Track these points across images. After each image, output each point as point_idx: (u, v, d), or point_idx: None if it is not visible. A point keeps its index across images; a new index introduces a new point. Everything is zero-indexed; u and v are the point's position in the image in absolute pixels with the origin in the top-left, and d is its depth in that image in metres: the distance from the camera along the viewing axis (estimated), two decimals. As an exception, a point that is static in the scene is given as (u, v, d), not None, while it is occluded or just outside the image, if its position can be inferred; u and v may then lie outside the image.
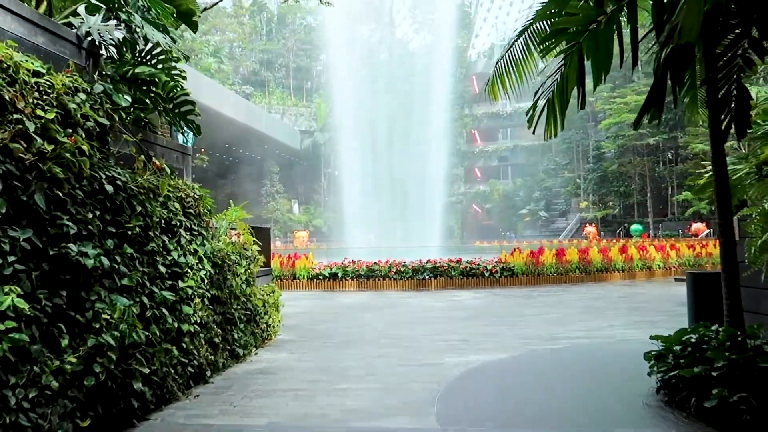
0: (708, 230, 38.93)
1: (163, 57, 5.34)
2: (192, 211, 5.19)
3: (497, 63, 6.49)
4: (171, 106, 5.46)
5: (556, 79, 5.61)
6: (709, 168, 7.39)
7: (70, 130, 3.56)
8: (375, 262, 15.62)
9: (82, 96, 3.74)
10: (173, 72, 5.39)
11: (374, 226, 53.25)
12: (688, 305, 7.55)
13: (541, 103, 5.91)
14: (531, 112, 6.00)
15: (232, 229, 6.68)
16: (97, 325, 3.64)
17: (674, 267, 17.93)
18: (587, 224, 47.71)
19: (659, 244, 19.88)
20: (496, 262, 15.75)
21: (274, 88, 72.25)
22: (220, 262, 5.70)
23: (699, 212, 40.51)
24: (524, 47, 6.25)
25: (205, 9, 14.88)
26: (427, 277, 15.09)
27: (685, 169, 44.51)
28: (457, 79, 64.57)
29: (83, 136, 3.65)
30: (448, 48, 62.57)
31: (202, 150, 54.69)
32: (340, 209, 54.73)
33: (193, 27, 6.63)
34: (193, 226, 5.18)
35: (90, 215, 3.65)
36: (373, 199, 54.56)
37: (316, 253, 21.87)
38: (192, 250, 5.09)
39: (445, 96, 58.55)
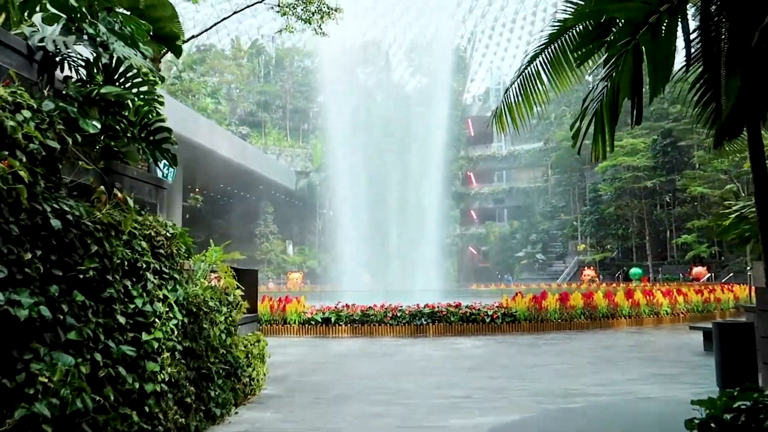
0: (709, 274, 38.31)
1: (137, 80, 4.80)
2: (163, 251, 4.55)
3: (505, 92, 5.99)
4: (144, 133, 4.88)
5: (606, 87, 4.94)
6: (735, 207, 6.79)
7: (6, 152, 2.96)
8: (370, 307, 14.88)
9: (26, 113, 3.16)
10: (148, 95, 4.83)
11: (369, 268, 52.41)
12: (715, 359, 6.88)
13: (587, 117, 5.22)
14: (577, 124, 5.38)
15: (213, 271, 6.02)
16: (31, 391, 2.96)
17: (682, 313, 17.22)
18: (585, 267, 47.03)
19: (666, 288, 19.19)
20: (497, 307, 15.03)
21: (271, 129, 72.42)
22: (195, 310, 5.02)
23: (699, 256, 39.96)
24: (535, 74, 5.75)
25: (192, 37, 14.63)
26: (424, 322, 14.33)
27: (683, 212, 44.21)
28: (452, 122, 64.85)
29: (23, 159, 3.05)
30: (444, 91, 63.00)
31: (197, 189, 54.28)
32: (335, 250, 54.00)
33: (177, 52, 6.12)
34: (163, 269, 4.53)
35: (28, 255, 3.01)
36: (368, 241, 53.89)
37: (309, 295, 21.07)
38: (161, 297, 4.43)
39: (440, 138, 58.60)
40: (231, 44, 78.87)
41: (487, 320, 14.46)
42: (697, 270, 38.46)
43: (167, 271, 4.59)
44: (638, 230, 47.65)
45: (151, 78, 4.89)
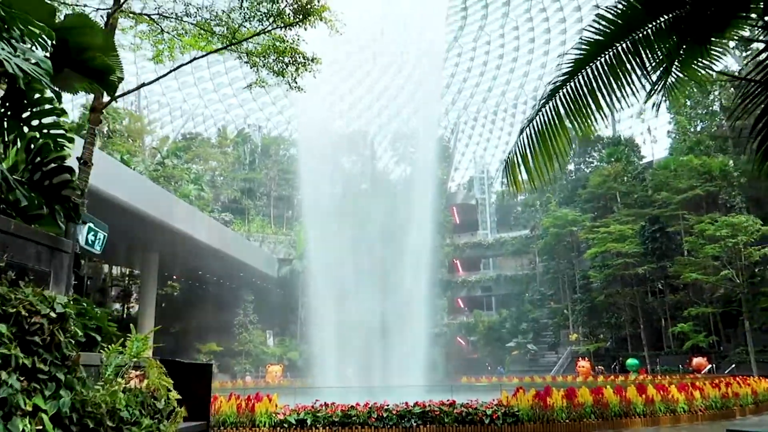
0: (710, 365, 36.49)
1: (38, 108, 3.53)
2: (39, 339, 3.09)
3: (518, 140, 4.82)
4: (39, 175, 3.55)
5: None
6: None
7: None
8: (352, 406, 13.02)
9: None
10: (44, 127, 3.55)
11: (352, 361, 49.74)
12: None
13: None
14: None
15: (136, 367, 4.49)
16: None
17: (701, 410, 15.47)
18: (580, 358, 44.91)
19: (681, 382, 17.50)
20: (496, 405, 13.25)
21: (254, 216, 71.54)
22: (93, 425, 3.48)
23: (697, 345, 38.29)
24: (554, 117, 4.60)
25: (143, 84, 13.67)
26: (414, 424, 12.48)
27: (676, 299, 42.95)
28: (437, 210, 64.43)
29: None
30: (429, 180, 63.16)
31: (174, 277, 52.23)
32: (317, 342, 51.44)
33: (109, 89, 4.93)
34: (38, 366, 3.05)
35: None
36: (351, 332, 51.61)
37: (285, 391, 19.03)
38: (29, 408, 2.92)
39: (425, 225, 57.92)
40: (217, 133, 79.58)
41: (486, 421, 12.65)
42: (698, 361, 36.64)
43: (45, 368, 3.11)
44: (631, 319, 46.09)
45: (54, 106, 3.63)
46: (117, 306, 56.09)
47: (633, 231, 43.99)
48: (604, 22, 3.98)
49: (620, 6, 3.87)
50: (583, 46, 4.09)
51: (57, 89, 3.84)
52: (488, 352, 58.53)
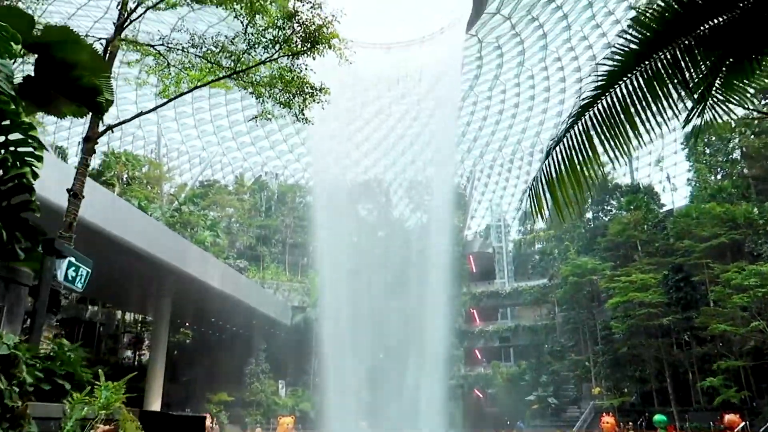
0: (743, 422, 34.52)
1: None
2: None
3: (543, 165, 4.33)
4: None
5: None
6: None
7: None
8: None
9: None
10: (10, 144, 3.14)
11: (368, 414, 48.22)
12: None
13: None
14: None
15: (108, 420, 3.93)
16: None
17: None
18: (604, 414, 42.93)
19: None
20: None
21: (269, 263, 71.25)
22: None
23: (728, 401, 36.41)
24: (584, 138, 4.11)
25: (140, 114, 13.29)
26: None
27: (704, 351, 41.22)
28: (454, 258, 63.62)
29: None
30: (445, 228, 62.74)
31: (186, 324, 51.64)
32: (329, 393, 50.04)
33: (98, 111, 4.57)
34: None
35: None
36: (366, 383, 50.24)
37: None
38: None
39: (442, 274, 57.08)
40: (235, 180, 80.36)
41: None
42: (730, 417, 34.67)
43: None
44: (657, 372, 44.23)
45: (22, 120, 3.23)
46: (128, 353, 55.42)
47: (656, 280, 42.73)
48: (639, 29, 3.55)
49: (657, 9, 3.44)
50: (617, 57, 3.65)
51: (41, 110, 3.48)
52: (507, 405, 56.43)
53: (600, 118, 3.92)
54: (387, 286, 58.37)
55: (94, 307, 48.67)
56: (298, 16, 12.69)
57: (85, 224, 23.22)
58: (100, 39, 10.16)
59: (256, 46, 12.91)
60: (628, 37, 3.58)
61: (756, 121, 46.55)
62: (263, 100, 13.41)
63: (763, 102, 41.33)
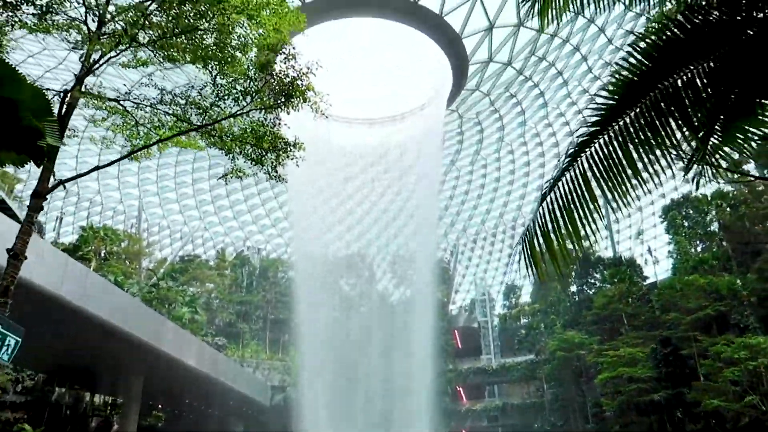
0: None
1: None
2: None
3: (537, 211, 3.96)
4: None
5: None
6: None
7: None
8: None
9: None
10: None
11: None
12: None
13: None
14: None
15: None
16: None
17: None
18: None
19: None
20: None
21: (249, 341, 69.14)
22: None
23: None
24: (581, 181, 3.77)
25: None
26: None
27: (698, 429, 39.83)
28: (438, 333, 62.40)
29: None
30: (429, 302, 61.91)
31: (159, 405, 49.13)
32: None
33: (39, 156, 4.15)
34: None
35: None
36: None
37: None
38: None
39: (426, 349, 55.73)
40: (216, 255, 79.30)
41: None
42: (730, 500, 33.08)
43: None
44: (652, 451, 42.49)
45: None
46: (96, 439, 52.24)
47: (644, 354, 41.92)
48: (639, 57, 3.28)
49: (657, 36, 3.18)
50: (611, 88, 3.36)
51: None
52: (498, 490, 53.67)
53: (598, 158, 3.59)
54: (370, 364, 56.63)
55: (62, 389, 46.16)
56: (271, 67, 12.18)
57: (56, 299, 22.26)
58: (58, 92, 9.74)
59: (226, 97, 12.29)
60: (628, 65, 3.32)
61: (731, 193, 47.53)
62: (233, 157, 12.76)
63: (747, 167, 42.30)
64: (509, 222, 78.48)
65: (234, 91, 12.30)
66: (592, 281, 61.37)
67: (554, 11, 4.82)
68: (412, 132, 50.48)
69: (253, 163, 12.81)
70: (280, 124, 12.99)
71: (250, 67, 12.14)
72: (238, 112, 12.42)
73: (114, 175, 66.39)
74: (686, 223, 54.29)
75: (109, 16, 10.46)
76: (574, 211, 3.69)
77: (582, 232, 3.67)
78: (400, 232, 78.96)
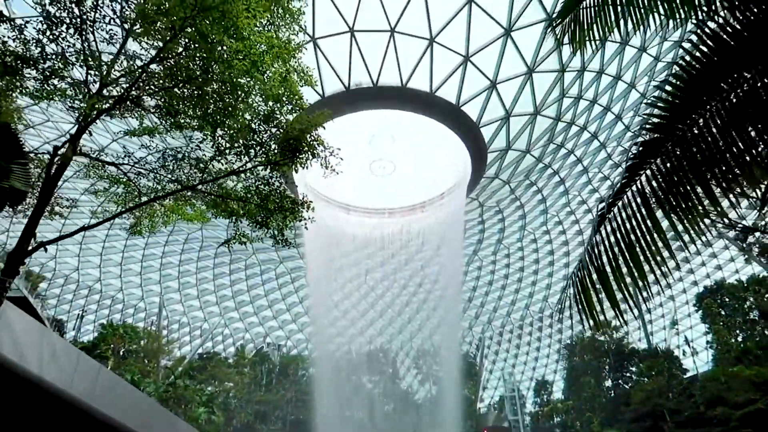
0: None
1: None
2: None
3: (589, 247, 3.22)
4: None
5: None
6: None
7: None
8: None
9: None
10: None
11: None
12: None
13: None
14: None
15: None
16: None
17: None
18: None
19: None
20: None
21: (268, 442, 65.86)
22: None
23: None
24: (641, 209, 3.06)
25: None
26: None
27: None
28: (467, 432, 58.95)
29: None
30: (456, 400, 59.07)
31: None
32: None
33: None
34: None
35: None
36: None
37: None
38: None
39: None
40: (235, 352, 77.57)
41: None
42: None
43: None
44: None
45: None
46: None
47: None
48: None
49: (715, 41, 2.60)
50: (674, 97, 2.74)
51: None
52: None
53: (660, 180, 2.89)
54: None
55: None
56: (275, 119, 11.27)
57: (66, 397, 21.24)
58: (46, 152, 9.34)
59: (227, 151, 11.37)
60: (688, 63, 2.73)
61: (769, 279, 45.61)
62: (236, 220, 11.78)
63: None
64: (536, 313, 76.11)
65: (236, 144, 11.44)
66: (628, 375, 58.32)
67: (586, 35, 4.36)
68: (433, 221, 50.33)
69: (258, 226, 11.85)
70: (285, 182, 12.24)
71: (254, 119, 11.35)
72: (241, 168, 11.53)
73: (136, 272, 66.65)
74: (723, 312, 52.09)
75: (113, 76, 10.25)
76: (636, 242, 2.96)
77: (646, 268, 2.92)
78: (424, 326, 76.91)
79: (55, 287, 61.79)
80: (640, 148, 2.98)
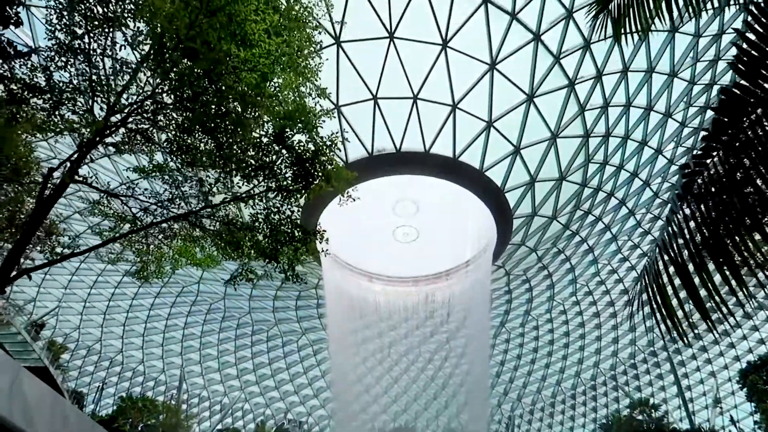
0: None
1: None
2: None
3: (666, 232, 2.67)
4: None
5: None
6: None
7: None
8: None
9: None
10: None
11: None
12: None
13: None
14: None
15: None
16: None
17: None
18: None
19: None
20: None
21: None
22: None
23: None
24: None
25: None
26: None
27: None
28: None
29: None
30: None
31: None
32: None
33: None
34: None
35: None
36: None
37: None
38: None
39: None
40: (255, 429, 75.12)
41: None
42: None
43: None
44: None
45: None
46: None
47: None
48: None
49: None
50: None
51: None
52: None
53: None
54: None
55: None
56: (288, 138, 10.16)
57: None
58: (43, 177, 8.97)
59: (235, 173, 10.29)
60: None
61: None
62: (245, 252, 10.78)
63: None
64: (568, 389, 72.55)
65: (243, 165, 10.32)
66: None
67: (631, 20, 4.01)
68: (458, 290, 49.20)
69: (266, 259, 10.80)
70: (297, 210, 11.19)
71: (263, 136, 10.37)
72: (249, 194, 10.58)
73: (158, 343, 66.00)
74: (769, 387, 49.00)
75: (122, 101, 9.95)
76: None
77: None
78: (450, 402, 73.80)
79: (77, 358, 61.29)
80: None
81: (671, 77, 33.91)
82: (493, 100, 32.33)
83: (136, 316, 60.25)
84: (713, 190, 2.31)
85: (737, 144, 2.50)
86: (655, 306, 2.66)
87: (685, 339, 2.99)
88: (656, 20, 4.42)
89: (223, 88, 8.86)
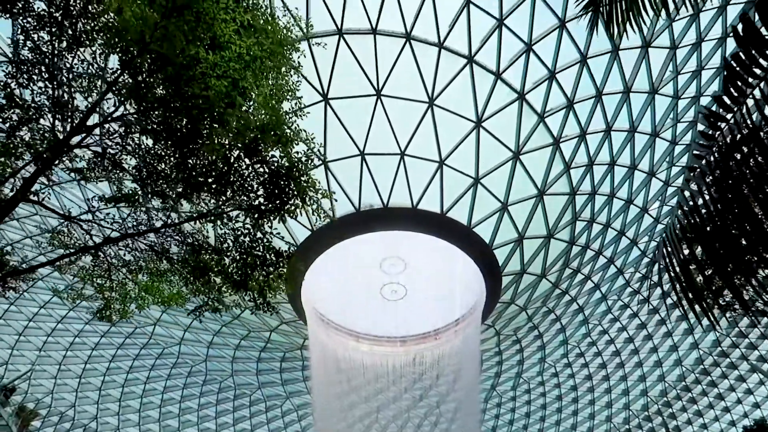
0: None
1: None
2: None
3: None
4: None
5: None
6: None
7: None
8: None
9: None
10: None
11: None
12: None
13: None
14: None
15: None
16: None
17: None
18: None
19: None
20: None
21: None
22: None
23: None
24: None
25: None
26: None
27: None
28: None
29: None
30: None
31: None
32: None
33: None
34: None
35: None
36: None
37: None
38: None
39: None
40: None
41: None
42: None
43: None
44: None
45: None
46: None
47: None
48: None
49: None
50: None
51: None
52: None
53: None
54: None
55: None
56: (260, 152, 9.23)
57: None
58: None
59: (200, 188, 9.24)
60: None
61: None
62: (210, 280, 9.82)
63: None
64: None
65: (209, 179, 9.38)
66: None
67: (623, 16, 3.78)
68: (447, 350, 47.89)
69: (235, 288, 9.78)
70: (270, 232, 10.18)
71: (233, 146, 9.34)
72: (213, 212, 9.62)
73: (135, 408, 63.20)
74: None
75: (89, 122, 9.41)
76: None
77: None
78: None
79: (48, 426, 58.29)
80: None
81: (653, 137, 34.53)
82: (479, 157, 32.50)
83: (113, 379, 57.94)
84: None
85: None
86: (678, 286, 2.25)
87: (716, 325, 2.56)
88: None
89: (190, 94, 8.34)
